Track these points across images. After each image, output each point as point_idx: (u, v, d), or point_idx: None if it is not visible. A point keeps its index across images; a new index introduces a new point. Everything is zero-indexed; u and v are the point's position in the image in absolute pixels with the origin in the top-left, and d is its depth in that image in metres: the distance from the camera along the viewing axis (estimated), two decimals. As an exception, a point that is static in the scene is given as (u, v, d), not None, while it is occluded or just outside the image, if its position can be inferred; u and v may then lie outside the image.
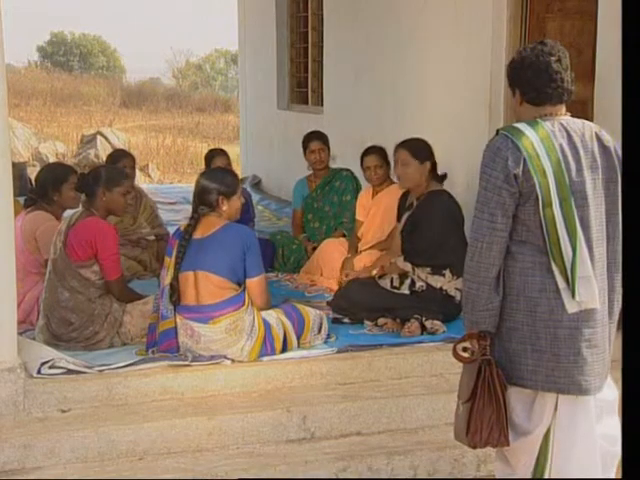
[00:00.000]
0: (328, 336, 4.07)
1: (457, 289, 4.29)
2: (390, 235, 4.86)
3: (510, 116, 5.07)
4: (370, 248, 4.98)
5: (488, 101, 5.18)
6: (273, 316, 3.85)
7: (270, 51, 8.58)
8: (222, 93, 29.54)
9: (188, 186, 8.59)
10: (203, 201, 3.78)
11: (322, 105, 7.63)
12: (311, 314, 4.00)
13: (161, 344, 3.78)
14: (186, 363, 3.69)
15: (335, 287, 4.86)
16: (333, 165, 5.67)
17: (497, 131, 2.40)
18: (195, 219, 3.77)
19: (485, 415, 2.45)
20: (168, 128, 20.60)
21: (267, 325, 3.79)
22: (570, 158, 2.35)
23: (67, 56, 35.73)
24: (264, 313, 3.83)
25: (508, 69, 2.47)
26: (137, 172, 13.82)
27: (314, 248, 5.34)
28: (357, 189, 5.51)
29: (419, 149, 4.37)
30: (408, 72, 6.05)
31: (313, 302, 4.72)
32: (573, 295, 2.36)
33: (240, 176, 9.86)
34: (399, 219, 4.61)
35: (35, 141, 14.87)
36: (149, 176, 13.88)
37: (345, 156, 6.30)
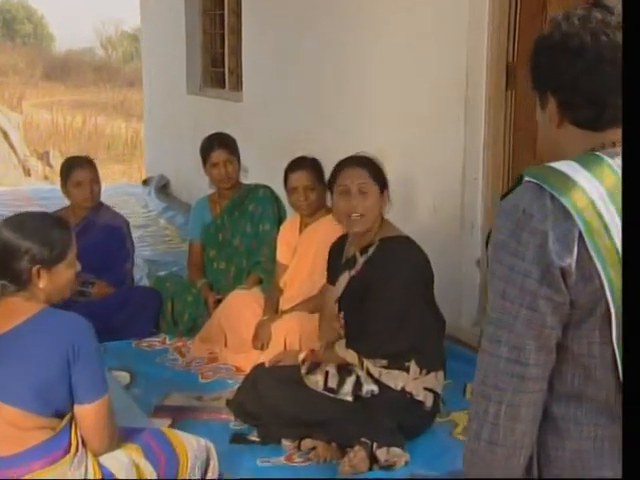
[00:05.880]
0: (220, 476, 2.60)
1: (427, 390, 2.90)
2: (323, 290, 3.42)
3: (491, 113, 3.76)
4: (296, 307, 3.55)
5: (463, 95, 3.86)
6: (121, 459, 2.39)
7: (177, 19, 7.14)
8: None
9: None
10: (4, 271, 2.26)
11: (242, 90, 6.25)
12: (190, 448, 2.55)
13: None
14: None
15: (245, 366, 3.47)
16: (245, 180, 4.27)
17: (519, 177, 1.36)
18: (-13, 301, 2.27)
19: None
20: (90, 104, 19.07)
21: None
22: None
23: (-12, 22, 34.42)
24: (105, 457, 2.35)
25: (533, 59, 1.43)
26: (35, 162, 12.25)
27: (218, 301, 3.90)
28: (280, 215, 4.11)
29: (378, 171, 3.04)
30: (355, 55, 4.71)
31: (208, 397, 3.27)
32: None
33: (144, 176, 8.53)
34: (331, 278, 3.18)
35: None
36: (50, 165, 12.09)
37: (268, 163, 4.94)
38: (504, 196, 1.33)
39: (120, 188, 8.20)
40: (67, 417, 2.28)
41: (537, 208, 1.27)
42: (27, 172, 11.49)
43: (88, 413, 2.28)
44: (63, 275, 2.35)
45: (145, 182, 8.03)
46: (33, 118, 15.78)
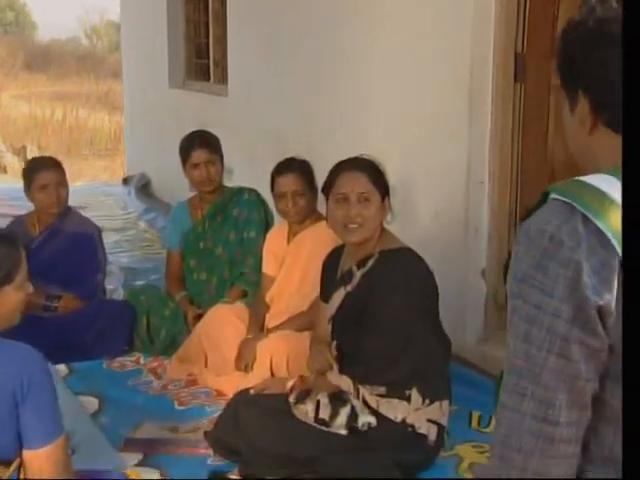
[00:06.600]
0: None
1: (431, 422, 2.68)
2: (313, 306, 3.21)
3: (499, 109, 3.58)
4: (283, 324, 3.32)
5: (467, 89, 3.65)
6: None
7: (159, 6, 6.90)
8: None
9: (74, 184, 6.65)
10: None
11: (227, 83, 6.03)
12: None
13: None
14: None
15: (227, 390, 3.26)
16: (229, 182, 4.01)
17: (544, 195, 1.19)
18: None
19: None
20: (73, 96, 18.84)
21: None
22: None
23: (-32, 10, 34.41)
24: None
25: (561, 51, 1.25)
26: (11, 158, 11.95)
27: (199, 316, 3.66)
28: (267, 221, 3.87)
29: (380, 176, 2.83)
30: (351, 47, 4.47)
31: (184, 428, 3.04)
32: None
33: (125, 175, 8.30)
34: (325, 295, 2.95)
35: None
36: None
37: (255, 165, 4.82)
38: (525, 217, 1.17)
39: (98, 188, 7.97)
40: (15, 463, 2.04)
41: (568, 233, 1.11)
42: (3, 169, 11.22)
43: (38, 459, 2.03)
44: (11, 299, 2.10)
45: (125, 181, 7.82)
46: (11, 111, 15.52)
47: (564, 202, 1.12)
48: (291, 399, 2.72)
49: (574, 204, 1.11)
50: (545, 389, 1.12)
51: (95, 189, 7.78)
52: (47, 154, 11.34)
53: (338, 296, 2.81)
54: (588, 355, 1.10)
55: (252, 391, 2.84)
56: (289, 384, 2.81)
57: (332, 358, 2.75)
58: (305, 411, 2.68)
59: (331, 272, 2.92)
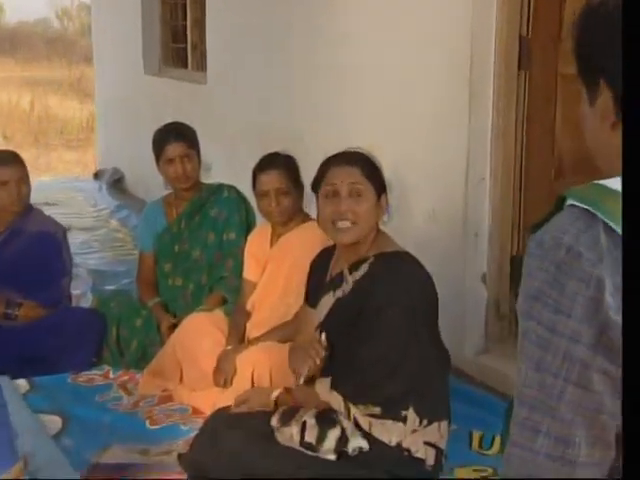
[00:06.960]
0: None
1: (428, 444, 2.55)
2: (299, 314, 3.11)
3: (501, 99, 3.57)
4: (265, 335, 3.23)
5: (467, 77, 3.62)
6: None
7: None
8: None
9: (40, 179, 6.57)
10: None
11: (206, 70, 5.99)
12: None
13: None
14: None
15: (204, 407, 3.20)
16: (207, 179, 3.93)
17: (560, 200, 1.13)
18: None
19: None
20: (43, 82, 18.71)
21: None
22: None
23: None
24: None
25: (579, 36, 1.18)
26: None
27: (174, 326, 3.57)
28: (249, 221, 3.80)
29: (375, 170, 2.72)
30: (343, 33, 4.40)
31: (155, 450, 2.92)
32: None
33: (96, 169, 8.23)
34: (311, 299, 2.85)
35: None
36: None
37: (236, 160, 4.82)
38: (537, 226, 1.12)
39: (67, 182, 7.91)
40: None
41: (587, 244, 1.06)
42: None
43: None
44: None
45: (96, 175, 7.79)
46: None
47: (583, 209, 1.07)
48: (274, 422, 2.59)
49: (595, 211, 1.05)
50: (562, 424, 1.06)
51: (63, 184, 7.73)
52: (13, 144, 11.12)
53: (326, 301, 2.69)
54: (612, 385, 1.04)
55: (233, 403, 2.72)
56: (274, 394, 2.69)
57: (322, 351, 2.61)
58: (290, 434, 2.54)
59: (319, 274, 2.80)
